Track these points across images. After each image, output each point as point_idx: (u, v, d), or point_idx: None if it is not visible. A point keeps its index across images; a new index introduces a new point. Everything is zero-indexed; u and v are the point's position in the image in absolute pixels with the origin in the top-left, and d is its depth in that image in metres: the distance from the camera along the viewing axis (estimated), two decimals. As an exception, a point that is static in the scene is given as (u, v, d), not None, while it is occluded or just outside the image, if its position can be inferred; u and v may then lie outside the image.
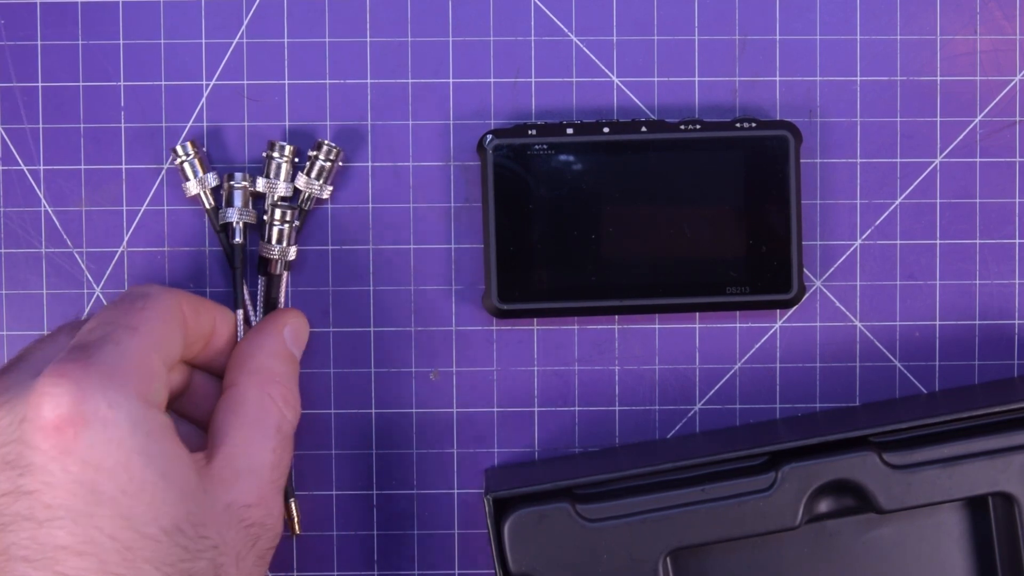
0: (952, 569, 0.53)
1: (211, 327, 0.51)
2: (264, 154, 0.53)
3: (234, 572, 0.45)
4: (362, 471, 0.55)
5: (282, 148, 0.53)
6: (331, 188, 0.53)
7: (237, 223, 0.53)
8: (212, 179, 0.53)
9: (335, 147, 0.53)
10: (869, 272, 0.55)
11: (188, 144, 0.53)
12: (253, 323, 0.53)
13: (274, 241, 0.53)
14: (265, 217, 0.53)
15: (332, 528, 0.55)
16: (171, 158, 0.54)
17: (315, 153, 0.53)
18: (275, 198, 0.53)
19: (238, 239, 0.53)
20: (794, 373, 0.55)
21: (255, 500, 0.47)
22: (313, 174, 0.53)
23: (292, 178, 0.53)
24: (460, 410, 0.55)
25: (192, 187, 0.53)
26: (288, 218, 0.53)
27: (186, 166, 0.53)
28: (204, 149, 0.54)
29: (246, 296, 0.53)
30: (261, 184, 0.53)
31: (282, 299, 0.54)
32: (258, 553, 0.47)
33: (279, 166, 0.53)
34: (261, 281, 0.54)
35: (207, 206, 0.53)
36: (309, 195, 0.53)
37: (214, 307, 0.51)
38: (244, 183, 0.53)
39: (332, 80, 0.54)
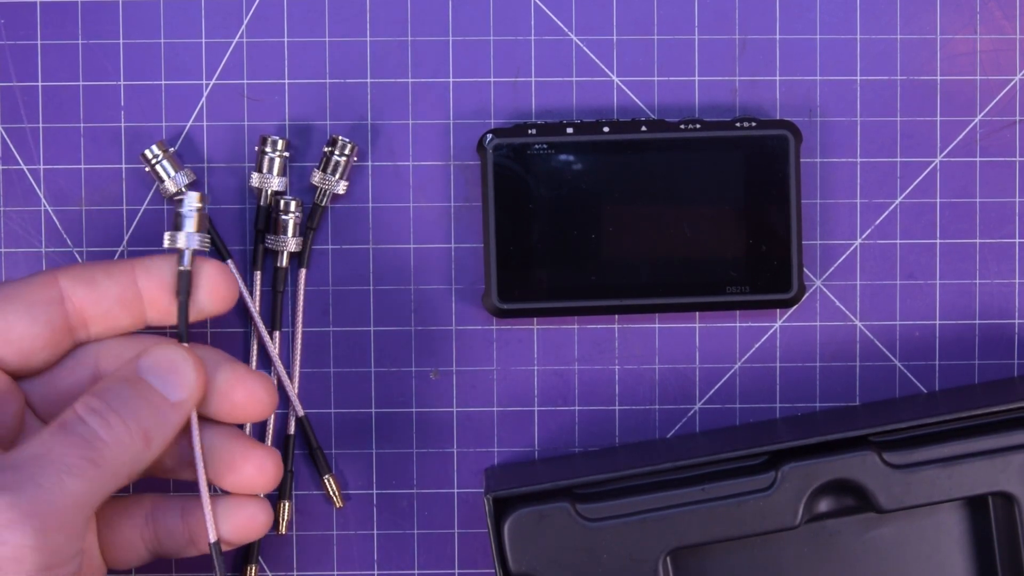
0: (952, 569, 0.53)
1: (128, 292, 0.48)
2: (256, 149, 0.53)
3: None
4: (362, 471, 0.55)
5: (274, 143, 0.53)
6: (347, 183, 0.54)
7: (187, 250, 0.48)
8: (184, 177, 0.53)
9: (349, 142, 0.53)
10: (869, 272, 0.55)
11: (155, 147, 0.53)
12: (258, 323, 0.54)
13: (287, 233, 0.53)
14: (274, 205, 0.53)
15: (332, 528, 0.55)
16: (143, 164, 0.54)
17: (330, 149, 0.53)
18: (270, 192, 0.53)
19: (185, 265, 0.48)
20: (794, 373, 0.55)
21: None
22: (328, 170, 0.53)
23: (285, 172, 0.53)
24: (460, 410, 0.55)
25: (170, 187, 0.53)
26: (293, 209, 0.53)
27: (159, 168, 0.53)
28: (172, 149, 0.53)
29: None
30: (256, 179, 0.53)
31: (289, 291, 0.54)
32: None
33: (272, 160, 0.53)
34: (258, 276, 0.54)
35: None
36: (325, 191, 0.53)
37: (130, 270, 0.48)
38: (198, 205, 0.48)
39: (332, 80, 0.54)
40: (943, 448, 0.50)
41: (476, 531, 0.55)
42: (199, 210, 0.48)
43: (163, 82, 0.54)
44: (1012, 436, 0.50)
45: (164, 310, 0.48)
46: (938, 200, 0.55)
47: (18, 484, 0.42)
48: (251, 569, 0.54)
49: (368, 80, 0.54)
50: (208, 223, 0.49)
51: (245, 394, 0.48)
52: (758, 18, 0.54)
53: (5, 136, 0.54)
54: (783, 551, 0.53)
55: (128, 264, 0.48)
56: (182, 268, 0.48)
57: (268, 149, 0.53)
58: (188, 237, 0.48)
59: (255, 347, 0.54)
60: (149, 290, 0.48)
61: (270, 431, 0.54)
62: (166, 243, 0.48)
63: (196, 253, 0.48)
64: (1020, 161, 0.55)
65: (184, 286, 0.48)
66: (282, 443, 0.55)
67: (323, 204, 0.54)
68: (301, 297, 0.54)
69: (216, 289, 0.48)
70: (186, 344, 0.48)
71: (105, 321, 0.48)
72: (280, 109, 0.54)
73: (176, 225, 0.48)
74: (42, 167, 0.54)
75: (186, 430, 0.48)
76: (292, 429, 0.54)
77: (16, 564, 0.41)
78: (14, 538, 0.41)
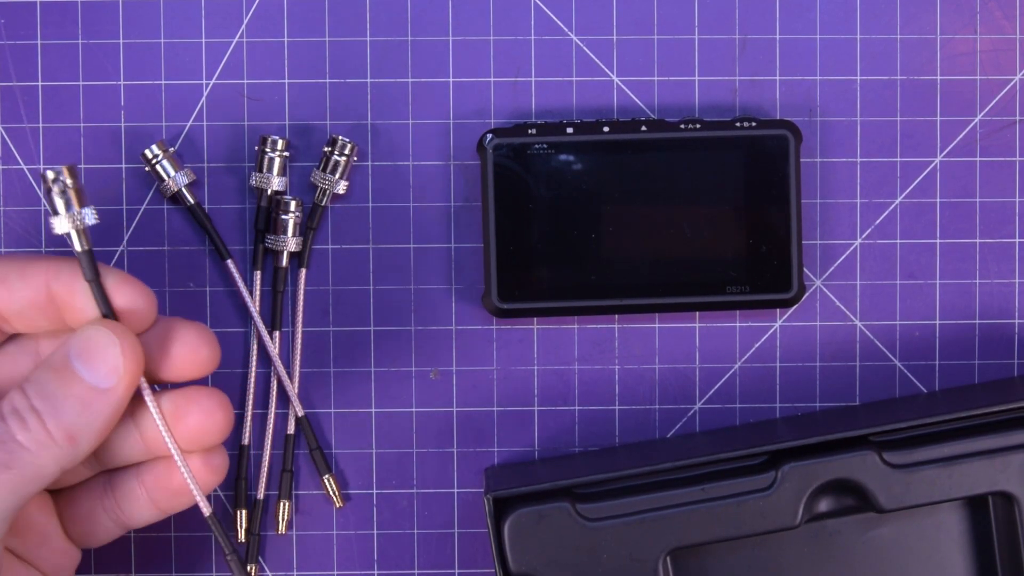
0: (952, 569, 0.53)
1: (39, 295, 0.44)
2: (256, 149, 0.53)
3: None
4: (362, 471, 0.55)
5: (274, 143, 0.53)
6: (347, 183, 0.54)
7: (72, 231, 0.44)
8: (184, 177, 0.53)
9: (349, 142, 0.53)
10: (869, 272, 0.55)
11: (155, 146, 0.53)
12: (258, 323, 0.54)
13: (287, 233, 0.53)
14: (271, 207, 0.53)
15: (332, 528, 0.55)
16: (143, 164, 0.54)
17: (329, 149, 0.53)
18: (270, 192, 0.53)
19: (78, 247, 0.44)
20: (794, 373, 0.55)
21: None
22: (328, 170, 0.53)
23: (285, 172, 0.54)
24: (460, 410, 0.55)
25: (170, 187, 0.53)
26: (293, 209, 0.53)
27: (159, 168, 0.53)
28: (172, 149, 0.53)
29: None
30: (256, 179, 0.53)
31: (289, 291, 0.54)
32: None
33: (271, 160, 0.53)
34: (258, 276, 0.54)
35: (190, 202, 0.53)
36: (325, 191, 0.53)
37: (40, 271, 0.44)
38: (67, 180, 0.44)
39: (332, 80, 0.54)
40: (943, 448, 0.50)
41: (476, 531, 0.55)
42: (71, 185, 0.44)
43: (163, 82, 0.54)
44: (1012, 436, 0.50)
45: (81, 315, 0.45)
46: (938, 200, 0.55)
47: None
48: (251, 569, 0.54)
49: (368, 80, 0.54)
50: (85, 196, 0.44)
51: (185, 350, 0.46)
52: (758, 18, 0.54)
53: (5, 136, 0.54)
54: (783, 551, 0.53)
55: (43, 265, 0.45)
56: (80, 250, 0.44)
57: (268, 149, 0.53)
58: (69, 217, 0.44)
59: (255, 347, 0.54)
60: (61, 296, 0.45)
61: (270, 431, 0.54)
62: (55, 229, 0.44)
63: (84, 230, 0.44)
64: (1020, 161, 0.55)
65: (88, 268, 0.44)
66: (282, 443, 0.55)
67: (323, 204, 0.54)
68: (301, 297, 0.54)
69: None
70: (116, 321, 0.44)
71: (21, 321, 0.45)
72: (280, 109, 0.54)
73: (52, 208, 0.44)
74: (42, 167, 0.54)
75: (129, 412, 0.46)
76: (292, 429, 0.54)
77: None
78: None
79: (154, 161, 0.53)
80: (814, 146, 0.55)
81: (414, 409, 0.55)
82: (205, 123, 0.54)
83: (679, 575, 0.51)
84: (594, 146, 0.52)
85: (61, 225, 0.44)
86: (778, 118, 0.54)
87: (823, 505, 0.51)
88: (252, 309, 0.54)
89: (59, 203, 0.44)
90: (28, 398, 0.43)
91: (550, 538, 0.50)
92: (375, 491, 0.55)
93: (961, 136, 0.55)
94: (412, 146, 0.54)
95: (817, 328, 0.55)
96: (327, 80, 0.54)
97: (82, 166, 0.54)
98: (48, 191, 0.44)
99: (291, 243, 0.53)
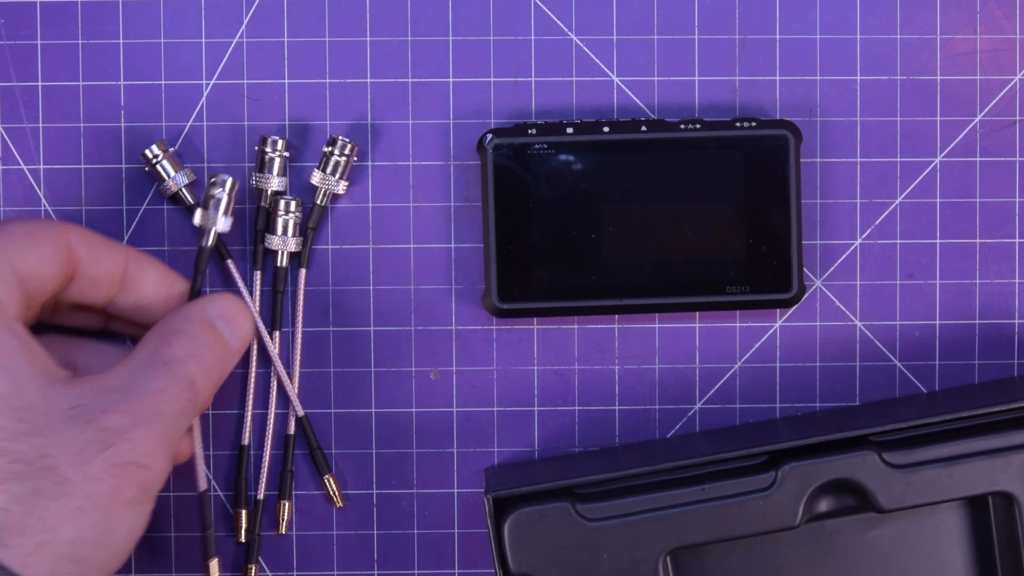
0: (952, 569, 0.53)
1: (117, 270, 0.50)
2: (256, 148, 0.53)
3: (70, 470, 0.43)
4: (362, 471, 0.55)
5: (274, 143, 0.53)
6: (347, 183, 0.54)
7: (214, 230, 0.53)
8: (184, 177, 0.53)
9: (349, 142, 0.53)
10: (869, 272, 0.55)
11: (155, 146, 0.53)
12: (258, 323, 0.54)
13: (287, 233, 0.53)
14: (269, 208, 0.53)
15: (332, 528, 0.55)
16: (143, 164, 0.54)
17: (329, 149, 0.53)
18: (270, 192, 0.53)
19: (206, 242, 0.53)
20: (794, 373, 0.55)
21: (117, 407, 0.45)
22: (328, 170, 0.53)
23: (285, 172, 0.54)
24: (460, 410, 0.55)
25: (170, 187, 0.53)
26: (293, 209, 0.53)
27: (159, 168, 0.53)
28: (172, 149, 0.53)
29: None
30: (256, 179, 0.53)
31: (289, 291, 0.54)
32: (111, 460, 0.44)
33: (271, 160, 0.53)
34: (258, 276, 0.54)
35: (190, 202, 0.53)
36: (325, 191, 0.53)
37: (124, 251, 0.50)
38: (227, 192, 0.52)
39: (332, 80, 0.54)
40: (943, 448, 0.50)
41: (476, 531, 0.55)
42: (229, 193, 0.51)
43: (163, 82, 0.54)
44: (1012, 436, 0.50)
45: (131, 303, 0.50)
46: (938, 200, 0.55)
47: (150, 419, 0.45)
48: (251, 569, 0.54)
49: (368, 80, 0.54)
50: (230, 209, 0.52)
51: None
52: (758, 18, 0.54)
53: (5, 136, 0.54)
54: (783, 551, 0.53)
55: (125, 249, 0.50)
56: (204, 246, 0.51)
57: (268, 149, 0.53)
58: (211, 217, 0.51)
59: (255, 347, 0.54)
60: (133, 274, 0.50)
61: (270, 431, 0.54)
62: (200, 222, 0.51)
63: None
64: (1020, 161, 0.55)
65: (203, 261, 0.51)
66: (282, 443, 0.55)
67: (323, 204, 0.54)
68: (301, 297, 0.54)
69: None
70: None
71: (81, 288, 0.49)
72: (280, 109, 0.54)
73: (204, 204, 0.51)
74: (42, 167, 0.54)
75: None
76: (292, 429, 0.54)
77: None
78: (158, 464, 0.46)
79: (154, 161, 0.53)
80: (814, 146, 0.55)
81: (414, 409, 0.55)
82: (205, 123, 0.54)
83: (679, 575, 0.51)
84: (594, 146, 0.52)
85: (217, 223, 0.51)
86: (778, 118, 0.54)
87: (823, 505, 0.51)
88: (252, 309, 0.54)
89: (212, 204, 0.51)
90: (188, 341, 0.48)
91: (550, 538, 0.50)
92: (375, 491, 0.55)
93: (961, 136, 0.55)
94: (412, 146, 0.54)
95: (817, 328, 0.55)
96: (327, 80, 0.54)
97: (82, 166, 0.54)
98: (210, 195, 0.51)
99: (291, 243, 0.53)
